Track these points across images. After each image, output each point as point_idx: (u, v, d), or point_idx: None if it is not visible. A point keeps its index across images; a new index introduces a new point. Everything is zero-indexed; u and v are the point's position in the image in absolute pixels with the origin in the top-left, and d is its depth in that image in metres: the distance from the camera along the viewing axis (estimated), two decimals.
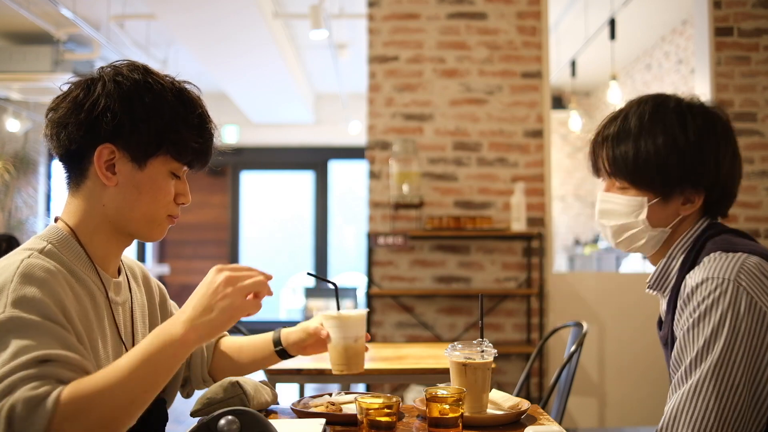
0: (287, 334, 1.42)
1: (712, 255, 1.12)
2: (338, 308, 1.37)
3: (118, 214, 1.12)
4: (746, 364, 1.03)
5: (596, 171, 1.30)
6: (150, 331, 1.28)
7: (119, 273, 1.21)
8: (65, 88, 1.13)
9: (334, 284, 1.46)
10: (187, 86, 1.17)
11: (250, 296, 1.02)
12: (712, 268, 1.09)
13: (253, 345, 1.45)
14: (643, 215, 1.23)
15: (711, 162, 1.19)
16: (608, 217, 1.28)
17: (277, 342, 1.42)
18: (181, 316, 0.99)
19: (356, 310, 1.38)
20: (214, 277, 1.01)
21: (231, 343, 1.46)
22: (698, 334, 1.06)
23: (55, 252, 1.07)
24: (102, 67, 1.13)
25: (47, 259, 1.04)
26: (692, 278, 1.11)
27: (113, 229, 1.13)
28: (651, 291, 1.27)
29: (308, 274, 1.55)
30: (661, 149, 1.19)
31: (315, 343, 1.39)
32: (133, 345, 1.21)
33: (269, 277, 1.05)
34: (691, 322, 1.07)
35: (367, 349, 1.38)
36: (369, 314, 3.94)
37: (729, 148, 1.21)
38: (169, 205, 1.15)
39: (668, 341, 1.21)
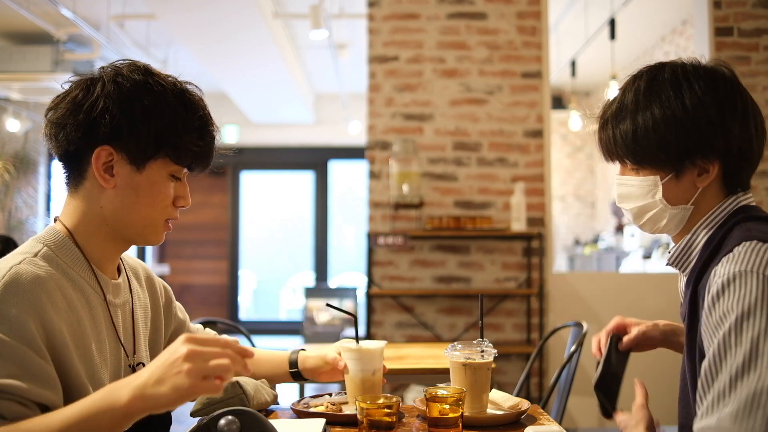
0: (304, 359, 1.43)
1: (745, 244, 1.02)
2: (357, 341, 1.38)
3: (115, 216, 1.10)
4: None
5: (608, 155, 1.21)
6: (151, 333, 1.28)
7: (119, 273, 1.20)
8: (66, 87, 1.12)
9: (353, 315, 1.47)
10: (190, 87, 1.15)
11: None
12: (746, 260, 0.99)
13: (269, 361, 1.45)
14: (659, 194, 1.14)
15: (716, 127, 1.09)
16: (626, 200, 1.20)
17: (293, 364, 1.43)
18: (133, 381, 0.88)
19: (375, 342, 1.39)
20: (178, 346, 0.88)
21: None
22: (739, 338, 0.95)
23: (50, 255, 1.06)
24: (103, 67, 1.11)
25: (40, 263, 1.02)
26: (725, 268, 1.00)
27: (110, 232, 1.11)
28: (671, 267, 1.20)
29: (327, 305, 1.54)
30: (659, 123, 1.11)
31: (330, 371, 1.40)
32: (134, 347, 1.20)
33: (247, 354, 0.92)
34: (729, 326, 0.97)
35: (385, 381, 1.39)
36: (369, 314, 3.94)
37: (736, 107, 1.11)
38: (168, 208, 1.14)
39: (686, 317, 1.12)
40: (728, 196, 1.14)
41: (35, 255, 1.04)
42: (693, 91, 1.12)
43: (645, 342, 1.35)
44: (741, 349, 0.95)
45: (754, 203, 1.14)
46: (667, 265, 1.20)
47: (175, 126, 1.09)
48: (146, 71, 1.11)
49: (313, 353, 1.44)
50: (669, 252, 1.20)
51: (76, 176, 1.11)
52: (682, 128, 1.10)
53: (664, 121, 1.11)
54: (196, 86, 1.17)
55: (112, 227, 1.11)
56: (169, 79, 1.13)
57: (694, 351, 1.09)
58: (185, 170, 1.15)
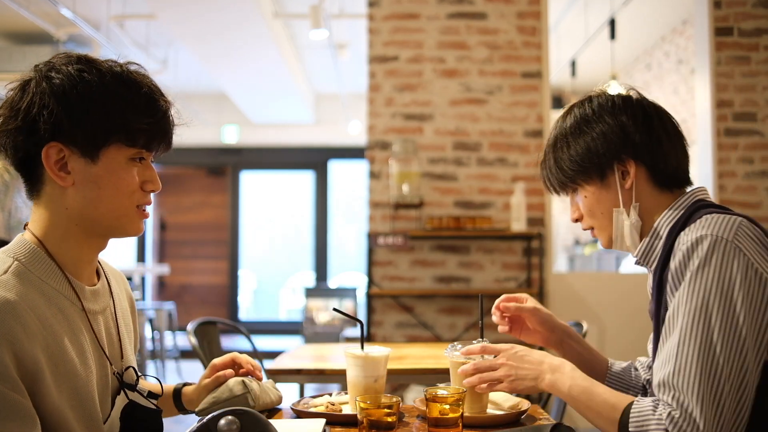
0: (186, 389, 1.38)
1: (706, 216, 1.13)
2: (362, 347, 1.38)
3: (82, 215, 1.05)
4: (749, 326, 1.04)
5: (551, 185, 1.34)
6: (132, 341, 1.24)
7: (99, 277, 1.16)
8: (7, 94, 1.07)
9: (359, 321, 1.47)
10: (132, 67, 1.09)
11: None
12: (709, 225, 1.10)
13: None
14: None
15: (615, 131, 1.23)
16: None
17: (177, 393, 1.38)
18: None
19: (380, 349, 1.39)
20: None
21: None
22: (697, 287, 1.07)
23: (21, 269, 1.01)
24: (37, 65, 1.07)
25: (11, 282, 0.98)
26: (688, 235, 1.11)
27: (82, 232, 1.07)
28: (640, 265, 1.28)
29: (334, 309, 1.54)
30: (579, 144, 1.26)
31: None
32: (122, 351, 1.16)
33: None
34: (689, 277, 1.08)
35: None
36: (369, 314, 3.94)
37: (637, 117, 1.24)
38: (135, 194, 1.08)
39: (653, 309, 1.22)
40: (684, 193, 1.25)
41: (5, 272, 0.99)
42: (591, 108, 1.27)
43: (529, 321, 1.43)
44: (694, 302, 1.06)
45: (709, 197, 1.25)
46: (636, 263, 1.28)
47: (118, 108, 1.04)
48: (79, 60, 1.06)
49: (193, 385, 1.39)
50: (635, 254, 1.28)
51: (34, 182, 1.07)
52: (592, 142, 1.24)
53: (574, 141, 1.27)
54: (139, 65, 1.11)
55: (82, 227, 1.07)
56: (107, 63, 1.08)
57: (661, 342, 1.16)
58: (145, 151, 1.09)
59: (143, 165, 1.10)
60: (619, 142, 1.23)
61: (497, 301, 1.43)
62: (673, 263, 1.12)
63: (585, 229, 1.33)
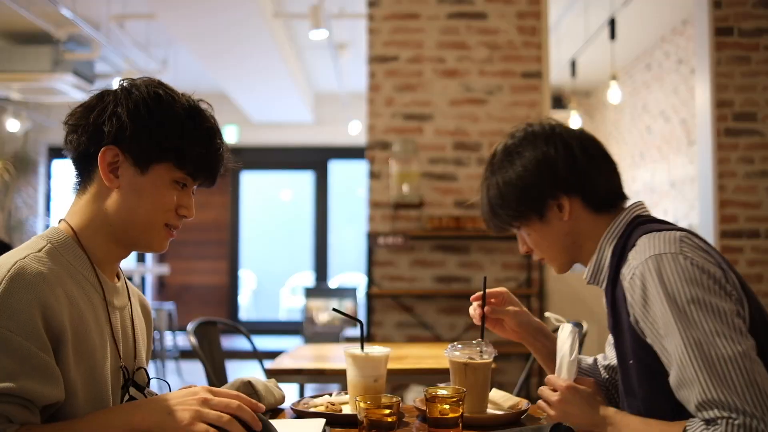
0: None
1: (647, 236, 1.15)
2: (362, 347, 1.38)
3: (117, 218, 1.13)
4: (730, 312, 1.06)
5: (495, 223, 1.36)
6: (145, 345, 1.29)
7: (118, 279, 1.22)
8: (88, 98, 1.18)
9: (359, 321, 1.47)
10: (202, 105, 1.19)
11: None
12: (652, 246, 1.12)
13: None
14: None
15: (542, 167, 1.26)
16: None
17: None
18: (148, 404, 1.02)
19: (380, 349, 1.39)
20: (199, 389, 1.04)
21: None
22: (668, 308, 1.07)
23: (54, 251, 1.08)
24: (122, 80, 1.17)
25: (44, 259, 1.05)
26: (635, 260, 1.14)
27: (113, 233, 1.14)
28: (592, 284, 1.31)
29: (333, 309, 1.55)
30: (504, 194, 1.30)
31: None
32: (135, 351, 1.21)
33: (257, 408, 1.04)
34: (656, 303, 1.09)
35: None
36: (369, 314, 3.94)
37: (557, 146, 1.26)
38: (168, 213, 1.15)
39: (611, 326, 1.24)
40: (622, 210, 1.27)
41: (39, 251, 1.06)
42: (515, 145, 1.31)
43: (508, 323, 1.44)
44: (681, 326, 1.06)
45: (646, 212, 1.27)
46: (588, 284, 1.31)
47: (180, 132, 1.13)
48: (160, 84, 1.16)
49: None
50: (584, 276, 1.31)
51: (84, 178, 1.15)
52: (523, 186, 1.27)
53: (504, 182, 1.30)
54: (209, 105, 1.21)
55: (114, 229, 1.13)
56: (182, 93, 1.17)
57: (624, 356, 1.20)
58: (190, 179, 1.17)
59: (184, 191, 1.17)
60: (548, 180, 1.26)
61: (475, 306, 1.43)
62: (630, 295, 1.14)
63: (537, 260, 1.36)
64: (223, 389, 1.07)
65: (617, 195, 1.29)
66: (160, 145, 1.12)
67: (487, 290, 1.42)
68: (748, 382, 1.00)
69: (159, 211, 1.14)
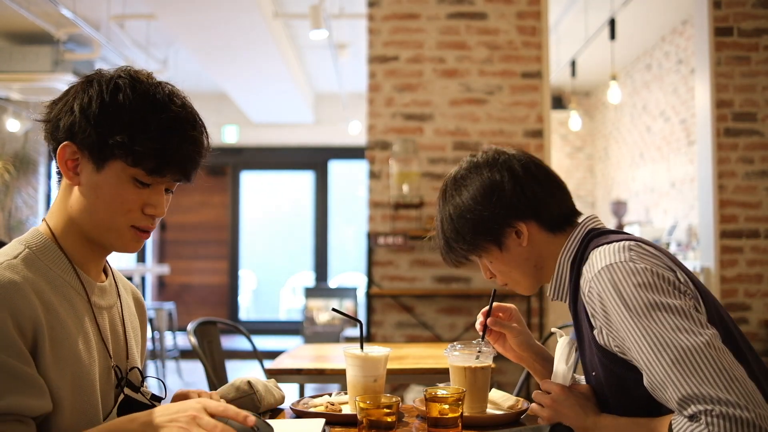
0: None
1: (598, 250, 1.17)
2: (362, 347, 1.38)
3: (80, 218, 1.07)
4: (690, 307, 1.07)
5: (454, 256, 1.38)
6: (138, 344, 1.26)
7: (106, 276, 1.18)
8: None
9: (359, 321, 1.47)
10: (173, 88, 1.10)
11: None
12: (604, 257, 1.14)
13: None
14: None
15: (489, 195, 1.27)
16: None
17: None
18: (144, 417, 0.97)
19: (380, 349, 1.39)
20: (193, 404, 0.96)
21: None
22: (628, 315, 1.08)
23: (31, 257, 1.04)
24: (97, 70, 1.11)
25: (19, 267, 1.01)
26: (589, 273, 1.16)
27: (81, 233, 1.09)
28: (557, 301, 1.32)
29: (333, 309, 1.55)
30: (460, 230, 1.31)
31: None
32: (127, 351, 1.18)
33: (245, 422, 0.97)
34: (615, 312, 1.10)
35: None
36: (369, 314, 3.94)
37: (502, 172, 1.28)
38: (130, 214, 1.07)
39: (578, 343, 1.27)
40: (575, 226, 1.29)
41: (15, 257, 1.03)
42: (467, 188, 1.30)
43: (510, 340, 1.43)
44: (647, 332, 1.06)
45: (600, 225, 1.30)
46: (552, 300, 1.33)
47: (128, 126, 1.03)
48: (127, 72, 1.08)
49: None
50: (548, 293, 1.32)
51: (59, 174, 1.10)
52: (476, 220, 1.28)
53: (456, 214, 1.31)
54: (186, 96, 1.12)
55: (81, 229, 1.09)
56: (146, 80, 1.08)
57: (586, 368, 1.25)
58: (153, 176, 1.07)
59: (153, 189, 1.09)
60: (499, 207, 1.27)
61: (480, 317, 1.44)
62: (591, 308, 1.15)
63: (502, 285, 1.37)
64: (220, 402, 1.01)
65: (570, 212, 1.31)
66: (109, 142, 1.03)
67: (497, 304, 1.43)
68: (717, 369, 1.00)
69: (118, 212, 1.06)
